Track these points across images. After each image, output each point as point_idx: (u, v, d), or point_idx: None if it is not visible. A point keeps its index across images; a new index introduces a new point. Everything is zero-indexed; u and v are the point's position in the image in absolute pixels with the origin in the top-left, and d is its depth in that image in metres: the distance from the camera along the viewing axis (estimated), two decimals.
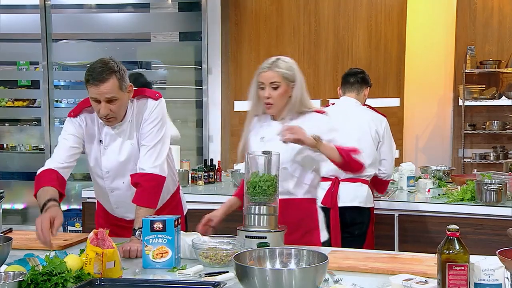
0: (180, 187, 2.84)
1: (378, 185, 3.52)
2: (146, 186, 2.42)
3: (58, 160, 2.46)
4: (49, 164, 2.45)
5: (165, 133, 2.53)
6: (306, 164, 2.47)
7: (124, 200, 2.53)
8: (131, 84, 2.44)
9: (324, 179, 3.32)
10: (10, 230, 2.71)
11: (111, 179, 2.54)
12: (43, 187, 2.35)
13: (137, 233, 2.30)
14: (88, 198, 4.00)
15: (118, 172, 2.52)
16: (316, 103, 3.58)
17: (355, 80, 3.50)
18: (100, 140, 2.51)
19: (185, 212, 2.83)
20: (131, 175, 2.47)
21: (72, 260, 1.89)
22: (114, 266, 1.90)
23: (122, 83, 2.36)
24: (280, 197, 2.31)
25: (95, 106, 2.37)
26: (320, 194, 3.29)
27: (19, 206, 4.55)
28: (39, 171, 2.45)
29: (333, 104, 3.53)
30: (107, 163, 2.51)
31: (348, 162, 2.42)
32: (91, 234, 1.93)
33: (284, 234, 2.28)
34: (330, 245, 2.56)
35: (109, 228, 2.00)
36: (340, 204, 3.29)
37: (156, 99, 2.51)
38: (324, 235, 2.57)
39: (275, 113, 2.50)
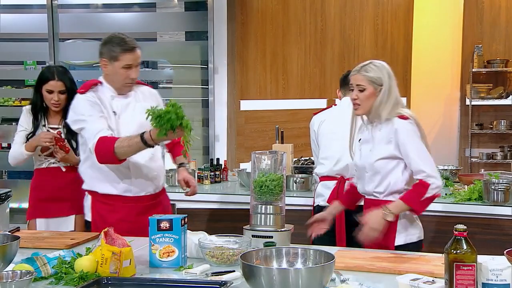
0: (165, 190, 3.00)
1: None
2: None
3: (104, 128, 2.62)
4: (101, 133, 2.58)
5: None
6: (385, 170, 2.50)
7: (144, 165, 2.70)
8: None
9: (330, 178, 3.32)
10: (18, 229, 2.72)
11: None
12: (118, 140, 2.54)
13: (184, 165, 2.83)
14: None
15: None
16: (322, 103, 3.57)
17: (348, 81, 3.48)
18: (114, 112, 2.71)
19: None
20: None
21: (85, 261, 1.90)
22: (130, 264, 1.91)
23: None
24: (367, 197, 2.54)
25: (125, 73, 2.67)
26: (326, 193, 3.30)
27: (26, 205, 4.57)
28: (95, 141, 2.56)
29: (336, 105, 3.51)
30: (124, 129, 2.67)
31: (419, 209, 2.44)
32: (102, 234, 1.94)
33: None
34: (404, 249, 2.46)
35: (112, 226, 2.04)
36: None
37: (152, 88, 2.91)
38: (400, 239, 2.53)
39: (362, 114, 2.60)
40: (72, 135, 3.06)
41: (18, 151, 3.13)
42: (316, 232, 2.64)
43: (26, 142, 3.12)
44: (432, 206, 3.49)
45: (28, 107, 3.21)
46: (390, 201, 2.48)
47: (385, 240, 2.50)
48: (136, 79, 2.75)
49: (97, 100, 2.69)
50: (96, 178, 2.73)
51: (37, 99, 3.16)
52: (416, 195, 2.43)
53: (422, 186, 2.41)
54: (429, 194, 2.41)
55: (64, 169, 3.14)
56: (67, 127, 3.01)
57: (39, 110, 3.16)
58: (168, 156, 3.14)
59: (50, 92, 3.10)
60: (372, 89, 2.51)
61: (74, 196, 3.01)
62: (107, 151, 2.53)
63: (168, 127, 2.30)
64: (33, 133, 3.14)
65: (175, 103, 2.32)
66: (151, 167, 2.75)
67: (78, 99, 2.71)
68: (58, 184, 3.14)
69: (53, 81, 3.09)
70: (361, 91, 2.53)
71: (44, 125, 3.16)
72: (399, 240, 2.53)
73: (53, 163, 3.15)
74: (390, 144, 2.50)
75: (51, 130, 3.14)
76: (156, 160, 2.80)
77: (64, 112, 3.05)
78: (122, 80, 2.71)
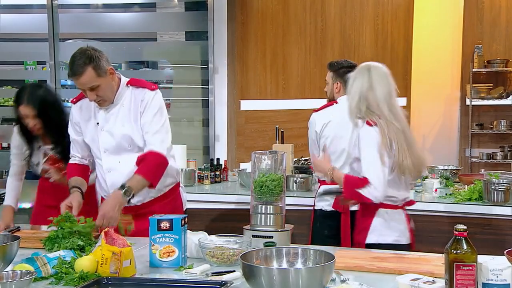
0: (181, 185, 2.90)
1: None
2: (151, 160, 2.59)
3: (74, 153, 2.79)
4: (70, 160, 2.79)
5: (166, 122, 2.69)
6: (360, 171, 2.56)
7: (119, 181, 2.58)
8: (111, 67, 2.61)
9: (334, 182, 3.27)
10: (18, 229, 2.72)
11: (107, 158, 2.68)
12: (70, 179, 2.70)
13: (123, 190, 2.47)
14: None
15: (114, 151, 2.67)
16: (322, 103, 3.51)
17: None
18: (97, 123, 2.69)
19: (184, 208, 2.88)
20: (138, 157, 2.61)
21: (85, 261, 1.90)
22: (130, 264, 1.91)
23: (99, 71, 2.54)
24: None
25: (84, 93, 2.61)
26: (331, 198, 3.26)
27: (27, 205, 4.57)
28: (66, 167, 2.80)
29: (336, 102, 3.40)
30: (103, 143, 2.68)
31: (346, 194, 2.56)
32: (102, 234, 1.94)
33: None
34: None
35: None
36: (352, 208, 3.24)
37: (153, 90, 2.68)
38: (372, 238, 2.58)
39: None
40: (65, 156, 2.91)
41: (10, 186, 3.09)
42: None
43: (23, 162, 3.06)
44: (433, 206, 3.52)
45: (17, 127, 3.06)
46: (385, 204, 2.54)
47: (358, 236, 2.60)
48: (97, 100, 2.60)
49: (78, 117, 2.73)
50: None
51: (19, 121, 3.01)
52: (355, 182, 2.51)
53: (364, 182, 2.47)
54: (363, 191, 2.48)
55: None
56: (60, 148, 2.95)
57: (26, 133, 3.01)
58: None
59: (24, 117, 2.94)
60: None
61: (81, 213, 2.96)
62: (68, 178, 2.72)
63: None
64: (29, 156, 3.04)
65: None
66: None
67: (70, 114, 2.81)
68: (65, 192, 2.99)
69: (22, 105, 2.92)
70: None
71: (40, 147, 3.04)
72: (371, 238, 2.56)
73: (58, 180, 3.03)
74: (356, 147, 2.56)
75: (48, 152, 3.02)
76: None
77: (54, 129, 2.96)
78: (89, 100, 2.64)
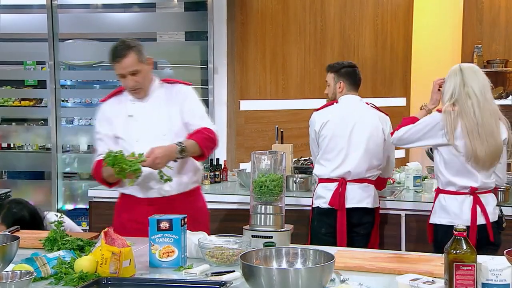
0: (201, 188, 2.91)
1: (379, 183, 3.48)
2: (205, 133, 2.63)
3: (103, 150, 2.65)
4: (97, 158, 2.71)
5: (206, 112, 2.80)
6: None
7: (148, 170, 2.57)
8: (150, 57, 2.71)
9: (330, 180, 3.30)
10: (17, 229, 2.72)
11: (141, 146, 2.60)
12: (102, 167, 2.58)
13: (179, 147, 2.51)
14: (95, 197, 4.01)
15: (147, 140, 2.62)
16: (322, 103, 3.53)
17: (360, 78, 3.44)
18: (130, 115, 2.72)
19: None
20: (190, 132, 2.65)
21: (85, 262, 1.90)
22: (129, 264, 1.91)
23: (141, 56, 2.63)
24: None
25: (123, 81, 2.66)
26: (327, 195, 3.29)
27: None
28: (92, 165, 2.74)
29: (337, 102, 3.39)
30: (136, 133, 2.69)
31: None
32: (102, 234, 1.94)
33: None
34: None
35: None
36: (348, 205, 3.26)
37: (188, 84, 2.81)
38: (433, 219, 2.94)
39: None
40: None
41: None
42: None
43: None
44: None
45: None
46: (444, 190, 2.92)
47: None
48: (135, 87, 2.66)
49: (109, 112, 2.75)
50: None
51: None
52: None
53: (399, 126, 2.96)
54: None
55: None
56: None
57: None
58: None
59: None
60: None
61: None
62: (97, 176, 2.69)
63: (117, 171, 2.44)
64: None
65: (116, 155, 2.43)
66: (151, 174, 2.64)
67: (97, 111, 2.83)
68: None
69: None
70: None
71: None
72: (432, 219, 2.94)
73: None
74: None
75: None
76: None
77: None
78: (126, 88, 2.71)
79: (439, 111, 2.89)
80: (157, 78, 2.78)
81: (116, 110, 2.76)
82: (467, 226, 2.69)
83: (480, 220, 2.84)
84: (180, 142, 2.54)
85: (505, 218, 3.06)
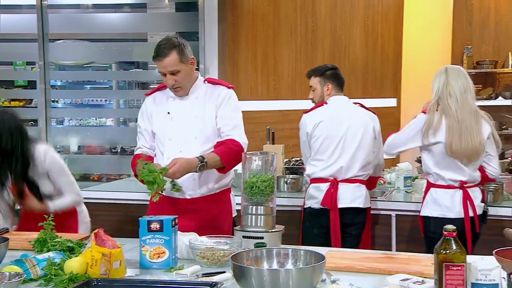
0: (232, 190, 2.89)
1: (370, 183, 3.50)
2: (230, 146, 2.65)
3: (142, 144, 2.81)
4: (136, 151, 2.82)
5: (242, 121, 2.79)
6: None
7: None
8: (193, 57, 2.71)
9: (323, 180, 3.31)
10: (7, 230, 2.70)
11: (170, 146, 2.70)
12: (136, 161, 2.62)
13: (200, 162, 2.53)
14: (84, 198, 3.97)
15: (179, 140, 2.69)
16: (313, 104, 3.53)
17: (342, 77, 3.49)
18: (168, 112, 2.74)
19: (234, 214, 2.87)
20: (217, 142, 2.68)
21: (75, 263, 1.89)
22: (120, 265, 1.90)
23: (183, 57, 2.64)
24: None
25: (164, 79, 2.68)
26: (319, 195, 3.30)
27: (16, 206, 4.55)
28: (132, 159, 2.77)
29: (326, 103, 3.42)
30: (170, 131, 2.71)
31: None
32: (92, 235, 1.93)
33: None
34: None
35: None
36: (340, 205, 3.27)
37: (230, 88, 2.79)
38: (424, 211, 3.15)
39: None
40: (27, 183, 2.81)
41: None
42: None
43: None
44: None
45: None
46: (435, 184, 3.11)
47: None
48: (174, 86, 2.67)
49: (151, 107, 2.78)
50: None
51: None
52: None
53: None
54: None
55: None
56: (17, 176, 2.79)
57: None
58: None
59: None
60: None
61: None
62: (133, 170, 2.68)
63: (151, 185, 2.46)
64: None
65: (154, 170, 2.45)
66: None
67: (142, 105, 2.86)
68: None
69: None
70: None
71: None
72: (423, 212, 3.13)
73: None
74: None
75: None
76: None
77: (7, 162, 2.78)
78: (167, 85, 2.71)
79: (424, 112, 3.08)
80: (200, 76, 2.79)
81: (157, 106, 2.79)
82: (459, 218, 2.99)
83: (470, 213, 3.05)
84: (202, 157, 2.55)
85: (495, 217, 3.11)
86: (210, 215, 2.72)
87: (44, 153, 2.88)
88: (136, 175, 2.64)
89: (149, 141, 2.80)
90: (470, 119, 3.02)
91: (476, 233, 3.09)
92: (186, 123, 2.70)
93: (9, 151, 2.78)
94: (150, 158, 2.74)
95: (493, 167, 3.16)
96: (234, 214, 2.86)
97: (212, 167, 2.61)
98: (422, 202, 3.19)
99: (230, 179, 2.85)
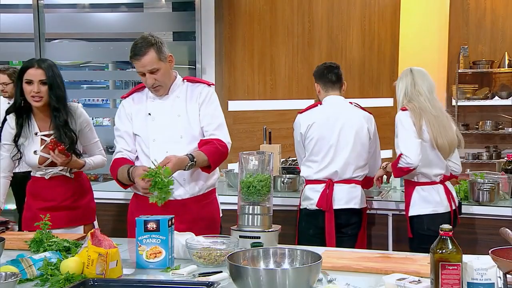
0: (216, 191, 2.87)
1: (366, 182, 3.49)
2: (216, 146, 2.61)
3: (122, 147, 2.72)
4: (115, 156, 2.71)
5: (223, 117, 2.75)
6: None
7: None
8: (171, 54, 2.66)
9: (318, 181, 3.30)
10: (3, 231, 2.69)
11: (155, 147, 2.64)
12: (119, 168, 2.59)
13: (190, 161, 2.49)
14: None
15: (163, 141, 2.64)
16: (309, 103, 3.53)
17: (337, 77, 3.40)
18: (149, 113, 2.69)
19: (221, 214, 2.85)
20: (201, 140, 2.64)
21: (71, 263, 1.89)
22: (116, 265, 1.90)
23: (161, 55, 2.59)
24: None
25: (143, 79, 2.63)
26: (314, 196, 3.29)
27: (12, 206, 4.54)
28: (111, 163, 2.69)
29: (320, 104, 3.40)
30: (153, 132, 2.66)
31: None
32: (89, 235, 1.93)
33: None
34: None
35: None
36: (336, 206, 3.26)
37: (210, 85, 2.75)
38: (413, 211, 3.18)
39: None
40: (68, 138, 2.82)
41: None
42: None
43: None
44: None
45: (11, 114, 2.86)
46: (420, 182, 3.16)
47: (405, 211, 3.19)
48: (154, 85, 2.61)
49: (129, 108, 2.71)
50: None
51: (17, 97, 2.82)
52: (395, 162, 3.16)
53: (398, 157, 3.11)
54: (401, 164, 3.11)
55: (71, 175, 2.89)
56: (61, 130, 2.81)
57: (23, 112, 2.83)
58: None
59: (29, 82, 2.76)
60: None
61: (81, 205, 2.92)
62: (114, 174, 2.64)
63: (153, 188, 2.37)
64: (18, 150, 2.83)
65: (159, 171, 2.35)
66: None
67: (119, 107, 2.79)
68: (64, 193, 2.88)
69: (32, 69, 2.78)
70: None
71: (36, 133, 2.84)
72: (412, 211, 3.13)
73: (57, 173, 2.87)
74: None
75: (44, 139, 2.83)
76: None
77: (52, 114, 2.82)
78: (147, 85, 2.66)
79: (403, 109, 3.12)
80: (178, 75, 2.75)
81: (136, 106, 2.72)
82: (448, 212, 3.10)
83: (452, 205, 3.16)
84: (192, 156, 2.53)
85: (491, 217, 3.14)
86: (199, 216, 2.69)
87: (78, 108, 2.94)
88: (117, 180, 2.62)
89: (130, 144, 2.71)
90: (442, 115, 3.16)
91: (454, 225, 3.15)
92: (170, 123, 2.65)
93: (62, 100, 2.83)
94: (132, 164, 2.65)
95: (455, 163, 3.29)
96: (221, 213, 2.86)
97: (199, 165, 2.58)
98: (406, 203, 3.19)
99: (216, 179, 2.82)
